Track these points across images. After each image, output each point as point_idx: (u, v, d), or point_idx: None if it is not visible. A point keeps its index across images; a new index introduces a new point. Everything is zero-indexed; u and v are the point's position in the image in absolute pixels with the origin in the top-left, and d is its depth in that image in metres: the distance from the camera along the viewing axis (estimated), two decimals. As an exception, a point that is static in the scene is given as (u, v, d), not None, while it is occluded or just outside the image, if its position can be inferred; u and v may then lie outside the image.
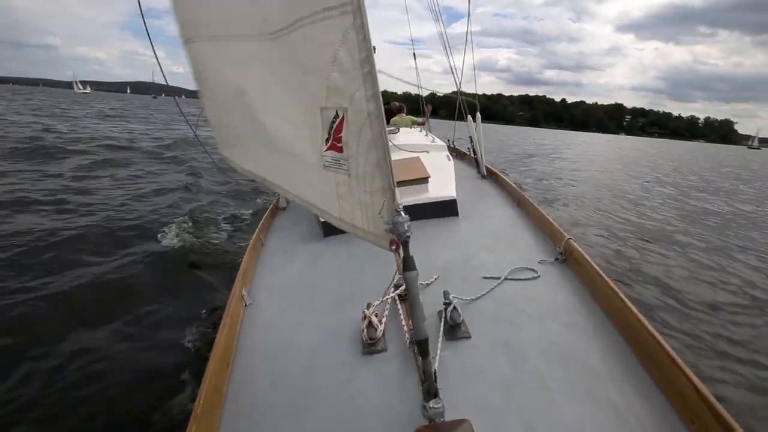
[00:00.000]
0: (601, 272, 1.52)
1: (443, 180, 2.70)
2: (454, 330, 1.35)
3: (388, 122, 5.42)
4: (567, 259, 1.80)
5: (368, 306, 1.45)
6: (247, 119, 1.20)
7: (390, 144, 3.29)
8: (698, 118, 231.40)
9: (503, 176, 3.32)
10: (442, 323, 1.37)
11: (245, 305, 1.67)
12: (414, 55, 6.09)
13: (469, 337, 1.33)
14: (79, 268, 3.48)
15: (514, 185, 2.97)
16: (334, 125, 0.89)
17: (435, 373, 1.00)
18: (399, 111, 5.99)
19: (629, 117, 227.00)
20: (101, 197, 5.86)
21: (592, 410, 1.04)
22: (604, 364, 1.19)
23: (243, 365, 1.33)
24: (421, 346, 0.97)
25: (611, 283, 1.44)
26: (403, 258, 0.95)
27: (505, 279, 1.69)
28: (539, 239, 2.09)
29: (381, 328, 1.35)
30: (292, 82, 0.96)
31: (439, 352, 1.24)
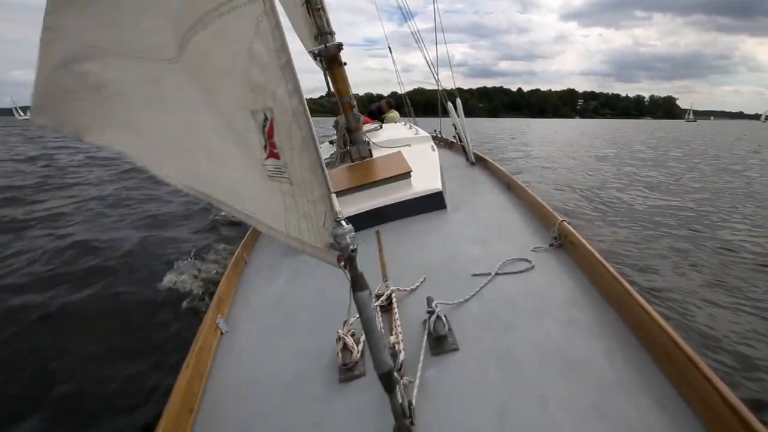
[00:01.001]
0: (599, 256, 1.40)
1: (427, 172, 2.59)
2: (439, 342, 1.22)
3: (381, 120, 5.62)
4: (562, 243, 1.69)
5: (344, 324, 1.33)
6: (179, 131, 1.05)
7: (371, 142, 3.47)
8: (644, 97, 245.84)
9: (492, 161, 3.25)
10: (425, 336, 1.24)
11: (221, 334, 1.59)
12: (390, 49, 6.11)
13: (457, 349, 1.20)
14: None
15: (503, 169, 2.90)
16: (266, 129, 0.79)
17: (410, 406, 0.93)
18: (389, 108, 6.22)
19: (582, 101, 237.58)
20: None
21: (603, 429, 0.91)
22: (613, 369, 1.04)
23: (209, 409, 1.23)
24: (384, 381, 0.86)
25: (611, 269, 1.31)
26: (351, 277, 0.84)
27: (497, 274, 1.57)
28: (531, 224, 2.00)
29: (358, 349, 1.24)
30: (213, 88, 0.86)
31: (420, 371, 1.11)
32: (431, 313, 1.28)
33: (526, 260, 1.63)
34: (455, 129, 4.00)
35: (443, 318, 1.27)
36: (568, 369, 1.07)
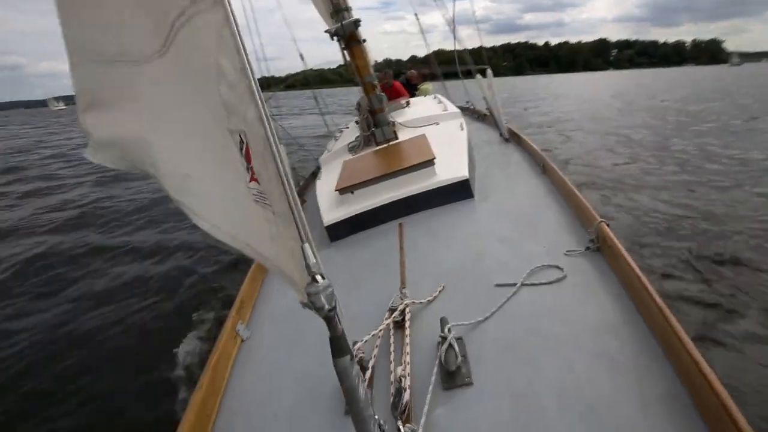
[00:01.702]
0: (641, 275, 1.19)
1: (454, 157, 2.42)
2: (451, 376, 1.11)
3: (411, 94, 5.46)
4: (600, 247, 1.51)
5: (353, 344, 1.20)
6: (165, 147, 0.97)
7: (396, 122, 3.38)
8: (685, 42, 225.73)
9: (526, 138, 3.04)
10: (436, 368, 1.12)
11: (242, 341, 1.56)
12: (416, 16, 5.71)
13: (471, 383, 1.09)
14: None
15: (538, 149, 2.72)
16: (243, 151, 0.73)
17: None
18: (419, 79, 6.01)
19: (615, 51, 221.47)
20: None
21: None
22: (646, 423, 0.87)
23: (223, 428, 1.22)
24: None
25: (655, 294, 1.10)
26: (330, 338, 0.75)
27: (523, 285, 1.41)
28: (566, 219, 1.81)
29: (363, 377, 1.19)
30: (194, 99, 0.79)
31: (426, 410, 1.00)
32: (443, 339, 1.17)
33: (558, 267, 1.45)
34: (486, 103, 3.81)
35: (455, 347, 1.14)
36: (589, 416, 0.92)
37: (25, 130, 29.95)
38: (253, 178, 0.76)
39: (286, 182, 0.68)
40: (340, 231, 2.26)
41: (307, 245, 0.72)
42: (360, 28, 3.19)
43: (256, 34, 4.21)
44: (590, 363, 1.05)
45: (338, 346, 0.75)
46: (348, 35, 3.13)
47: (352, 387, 0.76)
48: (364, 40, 3.28)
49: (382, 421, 0.84)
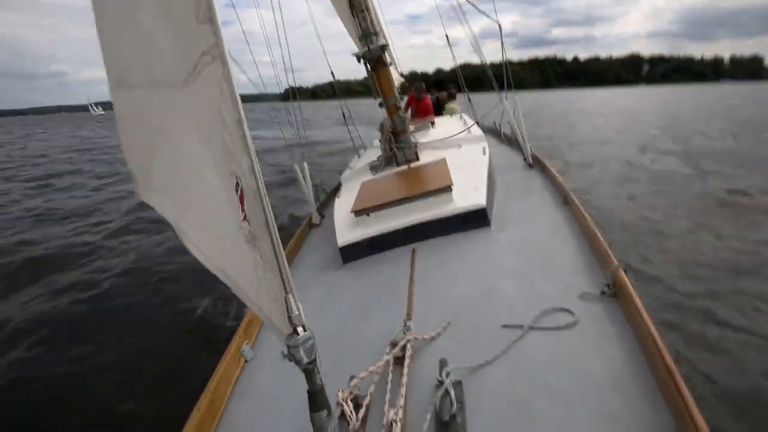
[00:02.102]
0: (653, 330, 1.13)
1: (472, 184, 2.40)
2: (445, 426, 1.06)
3: (438, 113, 5.43)
4: (616, 293, 1.43)
5: (351, 379, 1.19)
6: (175, 170, 1.00)
7: (418, 143, 3.45)
8: (723, 58, 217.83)
9: (550, 166, 3.00)
10: (430, 414, 1.07)
11: (245, 362, 1.56)
12: (447, 38, 5.61)
13: None
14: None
15: (561, 178, 2.69)
16: (238, 193, 0.76)
17: None
18: (451, 98, 6.06)
19: (648, 66, 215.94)
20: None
21: None
22: None
23: None
24: None
25: (666, 355, 1.04)
26: (308, 392, 0.73)
27: (531, 328, 1.35)
28: (584, 258, 1.74)
29: (357, 417, 1.08)
30: (206, 135, 0.82)
31: None
32: (441, 383, 1.13)
33: (569, 312, 1.38)
34: (511, 126, 3.81)
35: (452, 394, 1.10)
36: None
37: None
38: (245, 219, 0.78)
39: (272, 233, 0.69)
40: (354, 253, 2.28)
41: (290, 296, 0.72)
42: (387, 50, 3.28)
43: (284, 45, 4.33)
44: (595, 424, 0.99)
45: (316, 400, 0.74)
46: (375, 59, 3.22)
47: None
48: (391, 63, 3.36)
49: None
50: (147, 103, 0.95)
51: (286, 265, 0.72)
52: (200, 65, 0.72)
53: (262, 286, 0.81)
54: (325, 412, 0.76)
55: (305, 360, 0.72)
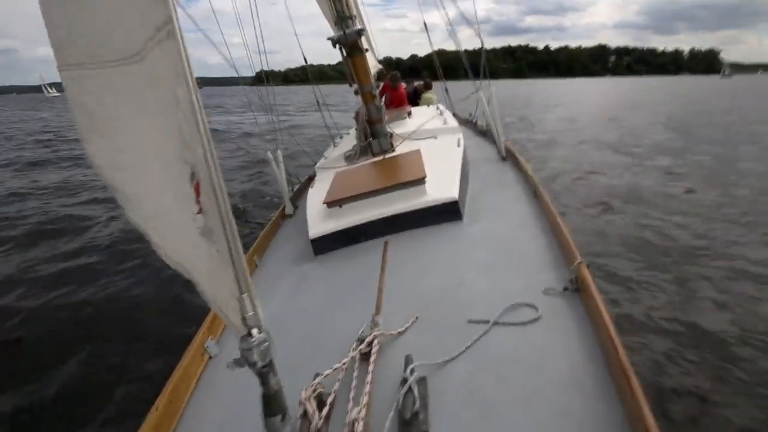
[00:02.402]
0: (611, 326, 1.14)
1: (446, 176, 2.39)
2: (407, 424, 1.05)
3: (415, 103, 5.35)
4: (578, 288, 1.45)
5: (315, 376, 1.19)
6: (129, 157, 0.94)
7: (393, 134, 3.36)
8: (683, 51, 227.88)
9: (522, 159, 2.99)
10: (392, 412, 1.07)
11: (209, 358, 1.52)
12: (426, 26, 5.66)
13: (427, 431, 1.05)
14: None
15: (531, 172, 2.69)
16: (193, 183, 0.72)
17: None
18: (427, 88, 5.96)
19: (614, 57, 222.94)
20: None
21: None
22: None
23: None
24: None
25: (621, 350, 1.05)
26: (262, 395, 0.71)
27: (495, 324, 1.37)
28: (551, 252, 1.77)
29: (320, 416, 1.09)
30: (157, 120, 0.78)
31: None
32: (405, 381, 1.13)
33: (533, 307, 1.41)
34: (486, 118, 3.80)
35: (415, 391, 1.10)
36: None
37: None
38: (200, 211, 0.74)
39: (228, 228, 0.66)
40: (326, 245, 2.26)
41: (245, 296, 0.68)
42: (363, 35, 3.18)
43: (257, 26, 4.12)
44: (554, 423, 0.99)
45: (270, 405, 0.71)
46: (351, 43, 3.11)
47: None
48: (366, 50, 3.26)
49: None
50: (96, 82, 0.87)
51: (244, 263, 0.69)
52: (151, 42, 0.66)
53: (219, 283, 0.77)
54: (279, 417, 0.73)
55: (259, 363, 0.70)
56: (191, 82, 0.63)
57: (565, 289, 1.48)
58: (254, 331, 0.70)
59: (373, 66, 5.90)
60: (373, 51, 6.15)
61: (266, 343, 0.70)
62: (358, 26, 3.08)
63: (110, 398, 2.41)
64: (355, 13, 3.21)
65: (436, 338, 1.37)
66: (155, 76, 0.70)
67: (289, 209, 3.11)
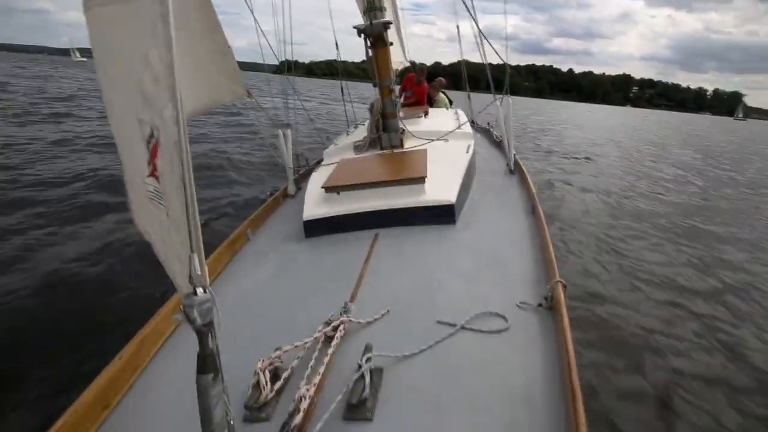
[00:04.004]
0: (570, 348, 1.16)
1: (447, 179, 2.40)
2: (354, 408, 1.07)
3: (431, 104, 5.34)
4: (552, 307, 1.45)
5: (275, 351, 1.22)
6: (110, 111, 0.89)
7: (405, 130, 3.38)
8: (706, 90, 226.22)
9: (527, 174, 3.01)
10: (341, 395, 1.08)
11: (178, 325, 1.49)
12: (458, 26, 5.71)
13: (371, 420, 1.06)
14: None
15: (533, 188, 2.68)
16: (150, 146, 0.71)
17: None
18: (442, 87, 5.93)
19: (636, 88, 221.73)
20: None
21: None
22: None
23: (131, 407, 1.17)
24: None
25: (574, 372, 1.07)
26: (198, 354, 0.72)
27: (463, 328, 1.37)
28: (534, 269, 1.76)
29: (270, 389, 1.11)
30: (121, 76, 0.76)
31: None
32: (359, 367, 1.14)
33: (503, 318, 1.41)
34: (500, 130, 3.75)
35: (367, 378, 1.11)
36: None
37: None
38: (152, 174, 0.73)
39: (187, 187, 0.66)
40: (318, 228, 2.28)
41: (195, 255, 0.69)
42: (389, 31, 3.19)
43: (286, 15, 4.15)
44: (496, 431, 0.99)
45: (204, 363, 0.72)
46: (376, 35, 3.12)
47: (206, 407, 0.72)
48: (391, 43, 3.27)
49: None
50: (101, 19, 0.84)
51: (197, 222, 0.69)
52: None
53: (168, 248, 0.77)
54: (210, 376, 0.73)
55: (198, 321, 0.70)
56: (170, 43, 0.62)
57: (539, 305, 1.48)
58: (199, 290, 0.70)
59: (400, 63, 5.91)
60: (403, 48, 6.15)
61: (208, 304, 0.71)
62: (387, 18, 3.09)
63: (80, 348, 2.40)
64: (385, 5, 3.22)
65: (401, 334, 1.38)
66: (131, 26, 0.69)
67: (291, 189, 3.14)
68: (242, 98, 1.85)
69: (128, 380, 1.26)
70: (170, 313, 1.50)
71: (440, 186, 2.32)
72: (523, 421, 1.03)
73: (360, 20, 3.20)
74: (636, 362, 2.69)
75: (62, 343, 2.43)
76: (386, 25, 3.08)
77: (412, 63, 6.54)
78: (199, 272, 0.70)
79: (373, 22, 3.03)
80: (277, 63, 4.12)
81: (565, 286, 1.47)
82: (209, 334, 0.72)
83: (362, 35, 3.15)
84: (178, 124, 0.64)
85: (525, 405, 1.07)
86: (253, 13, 3.14)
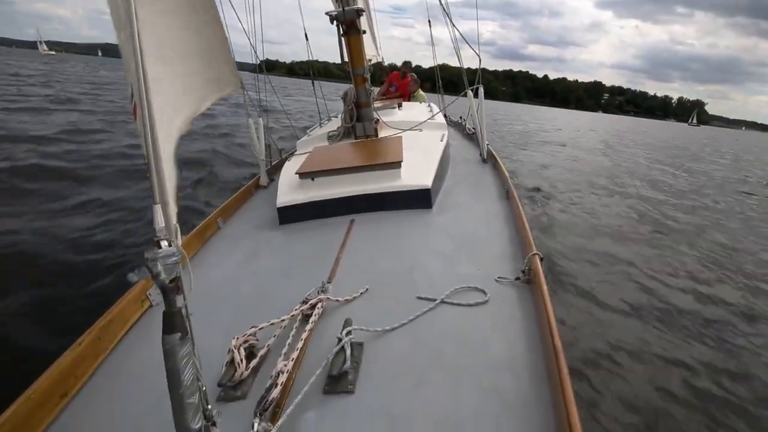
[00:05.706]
0: (551, 315, 1.15)
1: (423, 166, 2.41)
2: (334, 381, 1.06)
3: (408, 98, 5.34)
4: (530, 279, 1.47)
5: (250, 327, 1.21)
6: None
7: (380, 120, 3.35)
8: (671, 99, 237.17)
9: (500, 161, 3.09)
10: (320, 369, 1.06)
11: (150, 306, 1.48)
12: (429, 23, 5.70)
13: (352, 392, 1.04)
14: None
15: (507, 174, 2.73)
16: (132, 104, 0.74)
17: None
18: (416, 85, 5.98)
19: (607, 95, 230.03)
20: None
21: None
22: None
23: (89, 396, 1.11)
24: None
25: (557, 338, 1.06)
26: (164, 313, 0.68)
27: (443, 302, 1.37)
28: (512, 247, 1.78)
29: (244, 367, 1.08)
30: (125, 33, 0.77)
31: (291, 410, 0.93)
32: (339, 341, 1.13)
33: (483, 291, 1.42)
34: (473, 121, 3.83)
35: (347, 351, 1.09)
36: None
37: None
38: (134, 117, 0.75)
39: (148, 138, 0.64)
40: (292, 215, 2.25)
41: (158, 207, 0.65)
42: (363, 28, 3.16)
43: (258, 14, 4.01)
44: (480, 399, 1.00)
45: (170, 321, 0.67)
46: (348, 22, 3.07)
47: (174, 369, 0.67)
48: (364, 32, 3.23)
49: (215, 412, 0.76)
50: None
51: (163, 171, 0.69)
52: None
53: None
54: (177, 336, 0.68)
55: (162, 276, 0.65)
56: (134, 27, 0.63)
57: (517, 278, 1.50)
58: (164, 243, 0.66)
59: (373, 55, 5.87)
60: (374, 40, 6.15)
61: (174, 258, 0.66)
62: (359, 5, 3.05)
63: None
64: (357, -2, 3.17)
65: (382, 310, 1.37)
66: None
67: (264, 180, 3.06)
68: (238, 89, 1.83)
69: (90, 367, 1.19)
70: (136, 298, 1.44)
71: (416, 171, 2.32)
72: (506, 386, 1.03)
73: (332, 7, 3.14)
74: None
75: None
76: (359, 12, 3.03)
77: (391, 65, 6.62)
78: (162, 225, 0.66)
79: (345, 8, 2.98)
80: (254, 62, 3.99)
81: (542, 259, 1.48)
82: (174, 292, 0.67)
83: (335, 22, 3.09)
84: (138, 73, 0.65)
85: (507, 371, 1.08)
86: (236, 12, 3.05)
